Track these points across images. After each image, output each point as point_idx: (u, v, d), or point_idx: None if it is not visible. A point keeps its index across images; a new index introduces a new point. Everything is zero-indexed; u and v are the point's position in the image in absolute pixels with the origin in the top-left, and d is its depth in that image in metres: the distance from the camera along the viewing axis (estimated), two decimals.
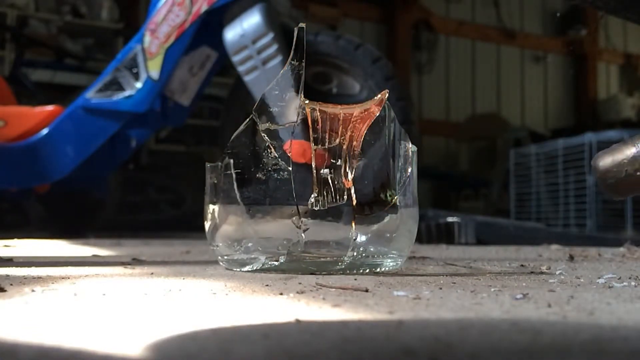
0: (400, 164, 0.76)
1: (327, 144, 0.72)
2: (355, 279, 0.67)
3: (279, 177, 0.73)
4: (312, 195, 0.71)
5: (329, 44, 1.89)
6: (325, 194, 0.72)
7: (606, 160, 0.68)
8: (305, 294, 0.54)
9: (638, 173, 0.65)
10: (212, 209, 0.80)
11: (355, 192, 0.72)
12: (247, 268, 0.76)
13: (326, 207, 0.72)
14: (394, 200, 0.75)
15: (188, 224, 2.82)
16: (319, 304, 0.48)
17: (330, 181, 0.72)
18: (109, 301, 0.49)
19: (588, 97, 5.81)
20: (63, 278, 0.66)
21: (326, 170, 0.71)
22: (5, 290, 0.54)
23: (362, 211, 0.73)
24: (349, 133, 0.73)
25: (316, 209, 0.71)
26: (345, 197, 0.72)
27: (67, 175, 2.03)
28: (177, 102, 2.05)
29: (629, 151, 0.66)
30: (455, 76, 5.37)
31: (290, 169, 0.72)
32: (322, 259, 0.75)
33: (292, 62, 0.73)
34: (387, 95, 0.74)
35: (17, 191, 2.31)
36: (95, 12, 3.71)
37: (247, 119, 0.75)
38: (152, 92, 1.92)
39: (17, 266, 0.82)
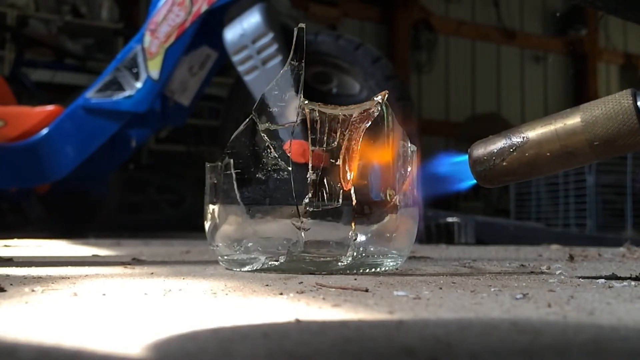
0: (400, 163, 0.76)
1: (325, 144, 0.72)
2: (355, 279, 0.67)
3: (278, 177, 0.73)
4: (307, 196, 0.71)
5: (329, 44, 1.89)
6: (320, 195, 0.71)
7: (479, 150, 0.70)
8: (305, 294, 0.54)
9: (504, 163, 0.68)
10: (212, 209, 0.80)
11: (354, 192, 0.72)
12: (247, 268, 0.76)
13: (320, 209, 0.72)
14: (394, 200, 0.75)
15: (188, 224, 2.82)
16: (319, 304, 0.48)
17: (326, 183, 0.72)
18: (109, 301, 0.49)
19: (588, 97, 5.77)
20: (63, 278, 0.66)
21: (313, 173, 0.71)
22: (5, 290, 0.54)
23: (362, 211, 0.73)
24: (348, 134, 0.73)
25: (309, 209, 0.71)
26: (341, 199, 0.72)
27: (67, 175, 2.03)
28: (177, 102, 2.05)
29: (500, 143, 0.68)
30: (455, 76, 5.37)
31: (290, 169, 0.72)
32: (322, 259, 0.75)
33: (292, 62, 0.73)
34: (386, 95, 0.74)
35: (17, 191, 2.31)
36: (95, 12, 3.71)
37: (247, 119, 0.75)
38: (152, 92, 1.92)
39: (17, 266, 0.82)
